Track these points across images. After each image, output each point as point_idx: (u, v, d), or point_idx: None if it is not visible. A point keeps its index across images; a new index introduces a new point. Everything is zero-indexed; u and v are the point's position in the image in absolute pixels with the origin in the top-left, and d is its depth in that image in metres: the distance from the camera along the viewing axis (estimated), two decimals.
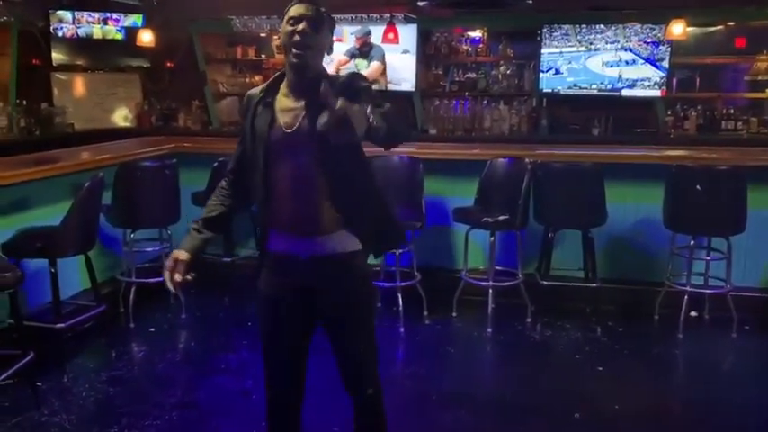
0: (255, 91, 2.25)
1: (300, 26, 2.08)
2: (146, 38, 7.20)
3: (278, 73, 2.23)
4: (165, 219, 4.60)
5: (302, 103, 2.12)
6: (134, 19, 7.95)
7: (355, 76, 2.03)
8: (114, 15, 7.94)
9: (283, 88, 2.19)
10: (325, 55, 2.19)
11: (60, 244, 3.75)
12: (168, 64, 8.24)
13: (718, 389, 3.71)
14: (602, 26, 6.78)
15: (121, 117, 8.23)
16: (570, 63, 6.93)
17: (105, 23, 7.96)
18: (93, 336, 4.23)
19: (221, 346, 4.19)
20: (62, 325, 3.85)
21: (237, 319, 4.65)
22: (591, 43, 6.86)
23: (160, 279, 4.66)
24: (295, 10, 2.13)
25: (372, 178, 2.26)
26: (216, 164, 4.90)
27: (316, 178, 2.11)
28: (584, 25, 6.82)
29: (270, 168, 2.13)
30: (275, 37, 7.95)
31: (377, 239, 2.28)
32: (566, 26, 6.87)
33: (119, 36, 8.02)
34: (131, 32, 7.80)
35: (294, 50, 2.08)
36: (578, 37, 6.87)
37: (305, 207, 2.13)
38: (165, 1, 7.79)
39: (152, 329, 4.46)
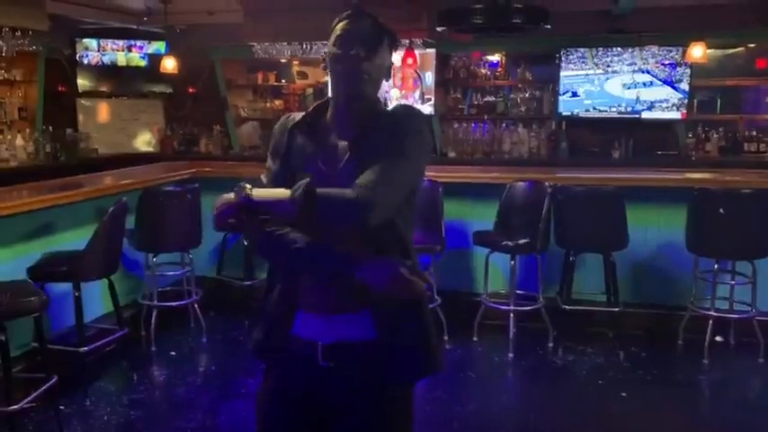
0: (295, 116, 1.79)
1: (352, 50, 1.64)
2: (168, 64, 7.34)
3: (320, 102, 1.79)
4: (187, 243, 4.64)
5: (347, 142, 1.68)
6: (157, 46, 8.13)
7: (408, 113, 1.68)
8: (138, 43, 8.13)
9: (328, 121, 1.74)
10: (384, 82, 1.74)
11: (84, 268, 3.79)
12: (190, 90, 8.39)
13: (745, 416, 3.63)
14: (619, 49, 6.79)
15: (144, 142, 8.38)
16: (588, 86, 6.94)
17: (129, 51, 8.15)
18: (115, 359, 4.26)
19: (241, 371, 4.19)
20: (85, 348, 3.88)
21: None
22: (608, 66, 6.87)
23: (181, 302, 4.76)
24: (344, 27, 1.67)
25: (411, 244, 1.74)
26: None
27: (350, 235, 1.61)
28: (601, 48, 6.85)
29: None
30: (295, 62, 8.07)
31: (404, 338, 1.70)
32: (584, 49, 6.89)
33: (142, 63, 8.20)
34: (154, 59, 7.97)
35: (343, 78, 1.65)
36: (595, 60, 6.89)
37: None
38: (187, 28, 7.95)
39: (173, 353, 4.48)
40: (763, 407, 3.84)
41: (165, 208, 4.51)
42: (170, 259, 4.83)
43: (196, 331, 4.78)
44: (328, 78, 1.73)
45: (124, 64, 8.15)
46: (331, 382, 1.70)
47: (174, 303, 4.76)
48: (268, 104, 8.31)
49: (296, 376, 1.74)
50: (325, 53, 1.71)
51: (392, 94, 7.58)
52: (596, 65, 6.90)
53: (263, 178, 1.79)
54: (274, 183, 1.72)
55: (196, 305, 4.82)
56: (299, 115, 1.79)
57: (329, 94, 1.76)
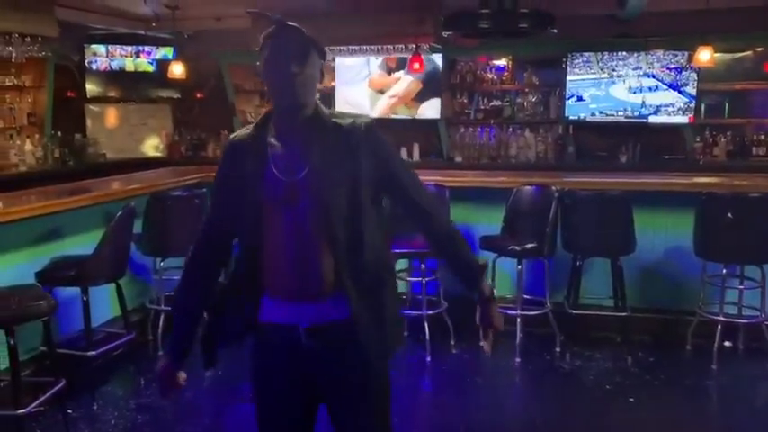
0: (241, 134, 1.88)
1: (286, 66, 1.73)
2: (176, 70, 7.38)
3: (265, 113, 1.88)
4: None
5: (299, 147, 1.78)
6: (165, 51, 8.18)
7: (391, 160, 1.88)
8: (146, 48, 8.18)
9: (272, 131, 1.83)
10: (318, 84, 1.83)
11: (92, 272, 3.81)
12: (198, 95, 8.43)
13: (754, 421, 3.61)
14: (624, 53, 6.79)
15: (152, 147, 8.42)
16: (595, 90, 6.93)
17: (137, 56, 8.20)
18: (122, 363, 4.27)
19: (247, 375, 4.19)
20: (93, 352, 3.89)
21: None
22: (614, 70, 6.87)
23: None
24: (274, 43, 1.77)
25: (381, 231, 1.90)
26: None
27: (317, 233, 1.77)
28: (607, 52, 6.84)
29: (263, 225, 1.79)
30: None
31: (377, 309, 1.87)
32: (590, 53, 6.89)
33: (150, 68, 8.25)
34: (162, 65, 8.02)
35: (282, 93, 1.76)
36: (601, 64, 6.89)
37: (305, 267, 1.79)
38: (195, 34, 8.00)
39: None
40: None
41: (173, 212, 4.52)
42: (177, 263, 4.84)
43: None
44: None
45: (132, 69, 8.20)
46: (314, 361, 1.85)
47: None
48: None
49: (281, 359, 1.88)
50: (258, 66, 1.82)
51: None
52: (602, 69, 6.89)
53: (209, 219, 1.95)
54: (219, 208, 1.91)
55: None
56: (242, 133, 1.89)
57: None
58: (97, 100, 8.12)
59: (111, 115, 8.29)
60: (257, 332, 1.90)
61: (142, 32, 8.00)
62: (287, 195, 1.76)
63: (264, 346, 1.91)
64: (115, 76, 8.14)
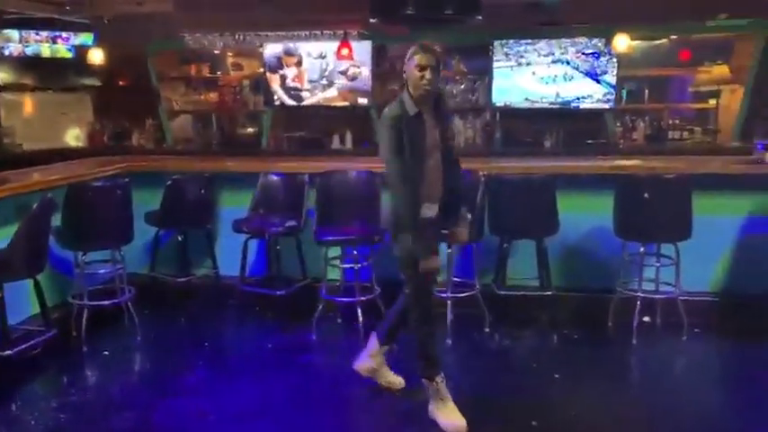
0: (404, 110, 3.19)
1: (427, 73, 3.12)
2: (96, 56, 7.10)
3: (409, 96, 3.20)
4: (117, 240, 4.52)
5: (432, 117, 3.27)
6: (84, 37, 7.85)
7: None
8: (64, 34, 7.83)
9: (415, 107, 3.20)
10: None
11: (7, 268, 3.66)
12: (120, 82, 8.14)
13: (673, 392, 3.79)
14: (547, 41, 6.95)
15: (73, 137, 8.11)
16: (519, 77, 7.07)
17: (54, 42, 7.84)
18: (43, 362, 4.10)
19: (177, 368, 4.11)
20: (10, 352, 3.74)
21: (193, 339, 4.58)
22: (536, 57, 7.02)
23: (114, 301, 4.64)
24: (421, 59, 3.12)
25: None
26: (170, 182, 4.83)
27: (443, 163, 3.33)
28: (530, 40, 6.99)
29: (424, 160, 3.21)
30: (230, 54, 7.95)
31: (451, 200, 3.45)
32: (515, 41, 7.02)
33: (68, 55, 7.91)
34: (81, 51, 7.70)
35: (424, 88, 3.15)
36: (523, 51, 7.03)
37: (439, 185, 3.32)
38: (115, 18, 7.70)
39: (106, 353, 4.35)
40: (687, 382, 4.01)
41: (94, 204, 4.38)
42: (100, 257, 4.69)
43: (130, 330, 4.67)
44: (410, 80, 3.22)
45: (49, 56, 7.84)
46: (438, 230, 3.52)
47: (106, 302, 4.63)
48: (202, 97, 8.15)
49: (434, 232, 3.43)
50: (404, 71, 3.23)
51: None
52: (526, 56, 7.03)
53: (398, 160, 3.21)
54: (406, 149, 3.18)
55: (129, 303, 4.70)
56: (404, 109, 3.20)
57: (411, 91, 3.22)
58: (11, 88, 7.73)
59: (28, 104, 7.93)
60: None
61: (58, 17, 7.64)
62: (432, 147, 3.27)
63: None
64: (31, 63, 7.76)
